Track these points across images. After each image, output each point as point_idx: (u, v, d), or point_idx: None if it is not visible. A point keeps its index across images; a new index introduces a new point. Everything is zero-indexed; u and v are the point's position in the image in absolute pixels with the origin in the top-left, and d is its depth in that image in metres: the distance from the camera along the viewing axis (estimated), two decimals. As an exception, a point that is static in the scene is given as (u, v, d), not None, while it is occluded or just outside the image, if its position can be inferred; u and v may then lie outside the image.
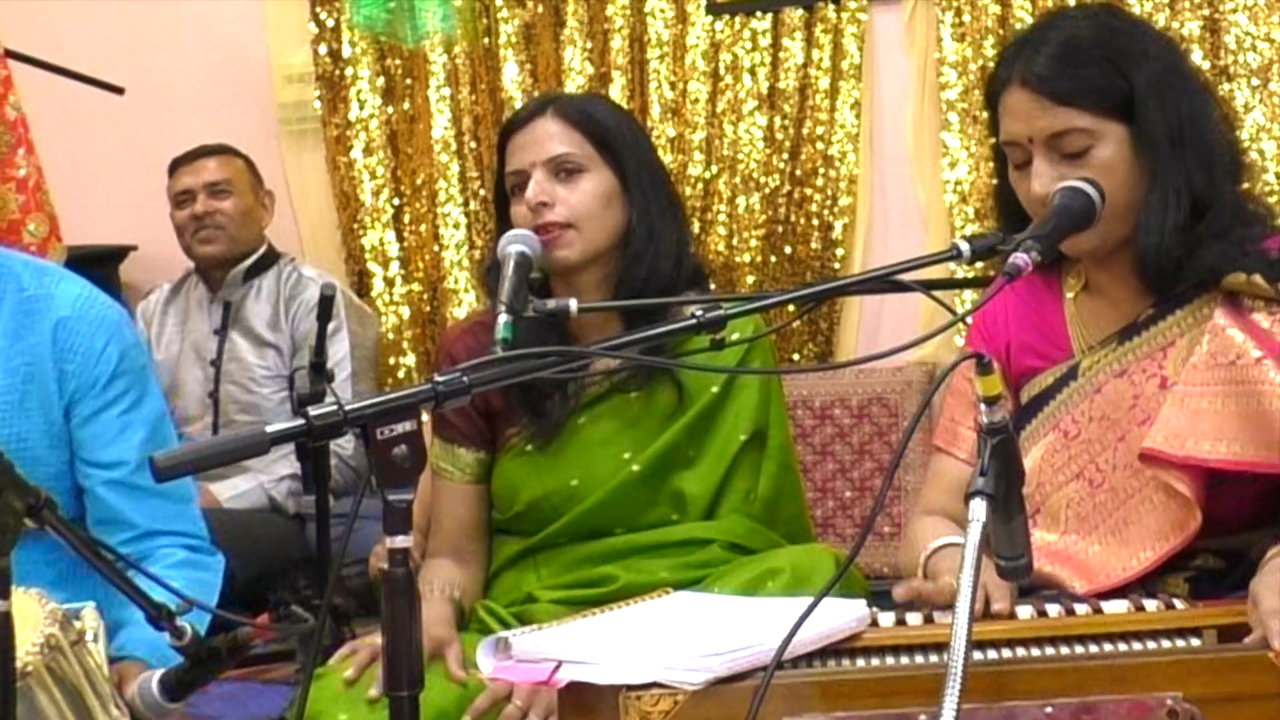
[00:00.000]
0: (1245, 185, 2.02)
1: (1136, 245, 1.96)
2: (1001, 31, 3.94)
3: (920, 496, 2.21)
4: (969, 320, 2.28)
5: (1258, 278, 1.91)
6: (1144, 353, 2.01)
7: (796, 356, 4.20)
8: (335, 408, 1.44)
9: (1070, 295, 2.09)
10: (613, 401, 2.33)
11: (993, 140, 2.08)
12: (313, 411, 1.44)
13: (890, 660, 1.70)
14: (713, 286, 2.75)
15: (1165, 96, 1.94)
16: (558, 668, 1.67)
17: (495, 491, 2.38)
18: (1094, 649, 1.68)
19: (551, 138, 2.31)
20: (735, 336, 2.17)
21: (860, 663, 1.70)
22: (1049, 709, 1.56)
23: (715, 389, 2.33)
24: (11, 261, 2.33)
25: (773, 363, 2.55)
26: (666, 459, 2.31)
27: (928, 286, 1.98)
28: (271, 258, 4.07)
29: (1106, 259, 2.02)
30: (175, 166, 4.08)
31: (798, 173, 4.18)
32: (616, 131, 2.34)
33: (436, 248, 4.45)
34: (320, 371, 2.74)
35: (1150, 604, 1.77)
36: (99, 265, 4.18)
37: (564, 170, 2.30)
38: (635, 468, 2.30)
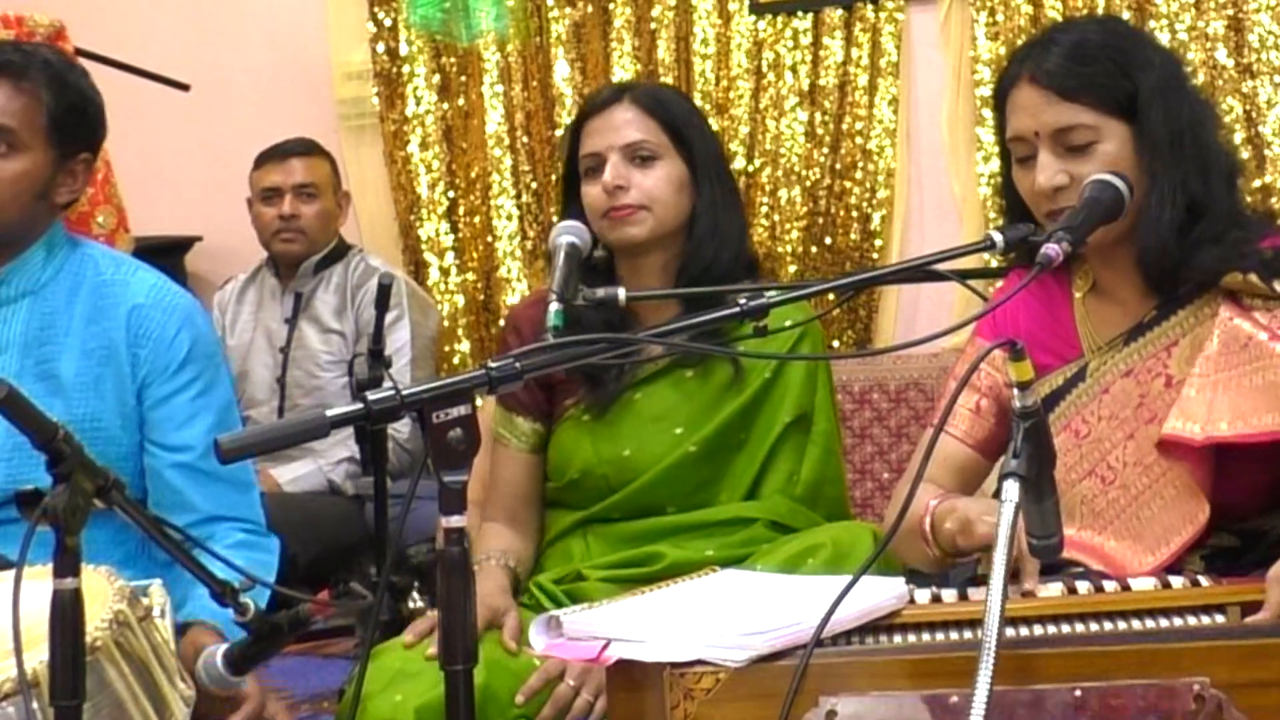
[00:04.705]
0: (1268, 180, 2.04)
1: (1137, 244, 1.99)
2: (1034, 30, 3.94)
3: (910, 466, 2.23)
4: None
5: (1253, 276, 1.94)
6: (1149, 353, 2.04)
7: (836, 343, 4.22)
8: (393, 392, 1.47)
9: (1079, 295, 2.12)
10: (670, 377, 2.37)
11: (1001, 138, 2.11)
12: (371, 396, 1.46)
13: (926, 637, 1.70)
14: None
15: (1168, 100, 1.98)
16: (606, 646, 1.68)
17: (550, 459, 2.42)
18: (1121, 625, 1.68)
19: (629, 124, 2.36)
20: (788, 323, 2.22)
21: (898, 639, 1.70)
22: (1077, 692, 1.57)
23: (768, 374, 2.36)
24: (91, 249, 2.40)
25: (821, 350, 2.58)
26: (721, 441, 2.35)
27: (962, 276, 2.01)
28: (341, 250, 4.12)
29: (1111, 259, 2.05)
30: (263, 160, 4.11)
31: (837, 166, 4.21)
32: (688, 122, 2.39)
33: (490, 238, 4.49)
34: (378, 358, 2.80)
35: (1176, 581, 1.78)
36: (165, 256, 4.20)
37: (639, 156, 2.35)
38: (692, 449, 2.34)
